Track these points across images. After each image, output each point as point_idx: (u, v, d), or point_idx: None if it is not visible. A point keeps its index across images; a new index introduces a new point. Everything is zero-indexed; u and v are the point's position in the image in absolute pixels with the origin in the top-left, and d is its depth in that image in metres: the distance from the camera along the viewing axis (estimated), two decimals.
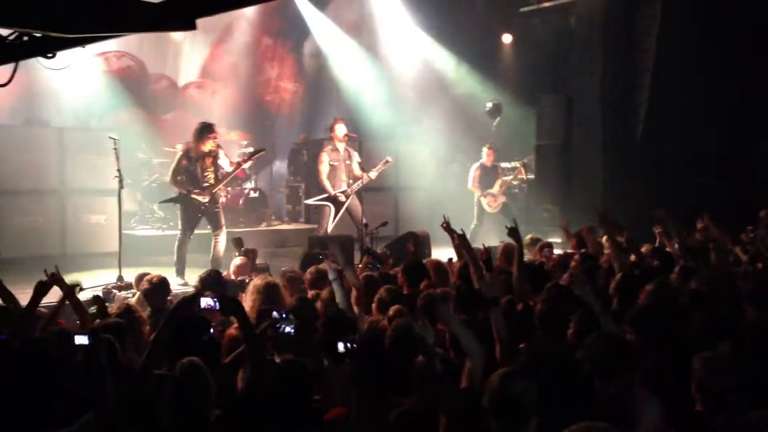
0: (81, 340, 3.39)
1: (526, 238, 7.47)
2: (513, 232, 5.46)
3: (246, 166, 8.84)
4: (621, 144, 11.79)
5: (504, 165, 11.38)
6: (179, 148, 8.29)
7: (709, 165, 10.99)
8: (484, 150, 11.15)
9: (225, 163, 8.46)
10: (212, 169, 8.32)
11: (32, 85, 10.30)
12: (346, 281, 4.83)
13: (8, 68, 3.87)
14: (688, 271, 5.54)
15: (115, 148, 8.06)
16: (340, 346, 3.12)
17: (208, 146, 8.22)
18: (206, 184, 8.25)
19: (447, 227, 6.05)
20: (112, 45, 11.51)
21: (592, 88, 12.04)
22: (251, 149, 11.46)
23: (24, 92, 10.56)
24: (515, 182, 11.27)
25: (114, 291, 7.17)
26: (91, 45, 4.44)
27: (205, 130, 8.26)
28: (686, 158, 11.12)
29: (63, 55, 3.56)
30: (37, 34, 3.34)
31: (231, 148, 11.88)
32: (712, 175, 10.91)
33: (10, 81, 3.52)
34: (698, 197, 9.65)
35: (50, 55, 3.47)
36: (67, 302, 4.61)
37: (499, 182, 11.02)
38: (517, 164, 11.26)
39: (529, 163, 11.40)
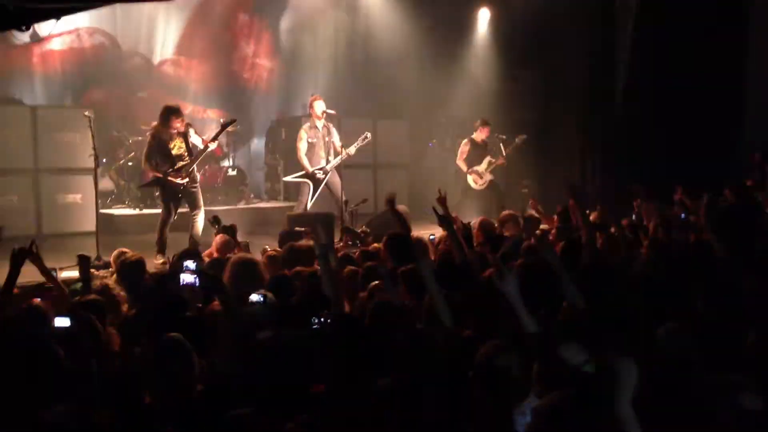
0: (62, 322, 3.34)
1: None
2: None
3: (213, 146, 8.51)
4: (599, 120, 11.86)
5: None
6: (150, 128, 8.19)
7: (686, 141, 11.08)
8: (477, 125, 10.94)
9: (198, 142, 8.37)
10: (184, 147, 8.25)
11: (4, 63, 10.11)
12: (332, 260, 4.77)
13: None
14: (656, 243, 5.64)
15: (90, 126, 7.95)
16: (314, 322, 3.11)
17: (175, 128, 8.13)
18: (181, 163, 8.18)
19: (442, 200, 6.06)
20: (84, 21, 11.27)
21: (570, 64, 12.07)
22: (229, 127, 11.33)
23: None
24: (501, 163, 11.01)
25: (92, 270, 7.09)
26: (66, 18, 4.35)
27: (171, 113, 8.13)
28: (664, 134, 11.21)
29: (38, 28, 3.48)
30: (10, 6, 3.26)
31: (208, 126, 11.78)
32: (690, 151, 11.01)
33: None
34: (675, 173, 9.75)
35: (24, 27, 3.39)
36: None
37: (487, 160, 10.88)
38: (496, 141, 11.12)
39: (520, 143, 11.19)
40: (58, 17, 3.78)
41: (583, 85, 11.91)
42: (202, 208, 8.40)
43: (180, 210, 8.41)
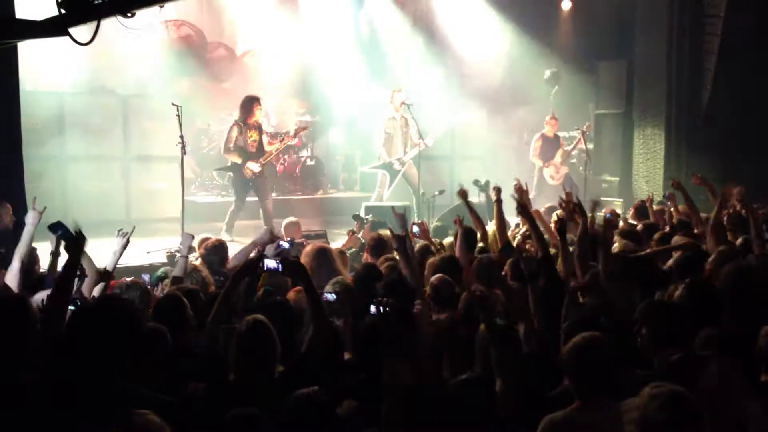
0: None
1: (543, 207, 7.41)
2: (579, 208, 5.41)
3: (293, 142, 9.17)
4: (686, 113, 11.45)
5: (563, 134, 11.16)
6: (233, 117, 8.66)
7: None
8: (546, 120, 10.95)
9: (264, 140, 8.87)
10: (257, 138, 8.67)
11: (96, 53, 10.51)
12: (411, 251, 4.78)
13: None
14: None
15: (178, 115, 8.18)
16: (372, 309, 3.13)
17: (256, 117, 8.64)
18: (253, 153, 8.61)
19: (519, 189, 6.03)
20: (172, 14, 11.64)
21: (656, 56, 11.68)
22: (308, 117, 11.59)
23: (88, 60, 10.78)
24: (575, 152, 11.07)
25: (177, 254, 7.35)
26: (156, 9, 4.52)
27: (252, 101, 8.64)
28: (753, 130, 10.73)
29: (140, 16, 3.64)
30: None
31: (287, 115, 12.02)
32: None
33: (92, 40, 3.60)
34: (763, 172, 9.35)
35: (129, 14, 3.54)
36: None
37: (560, 152, 10.82)
38: (576, 133, 11.01)
39: (588, 132, 11.12)
40: (162, 5, 3.95)
41: (669, 77, 11.51)
42: (271, 197, 8.83)
43: (250, 198, 8.76)
